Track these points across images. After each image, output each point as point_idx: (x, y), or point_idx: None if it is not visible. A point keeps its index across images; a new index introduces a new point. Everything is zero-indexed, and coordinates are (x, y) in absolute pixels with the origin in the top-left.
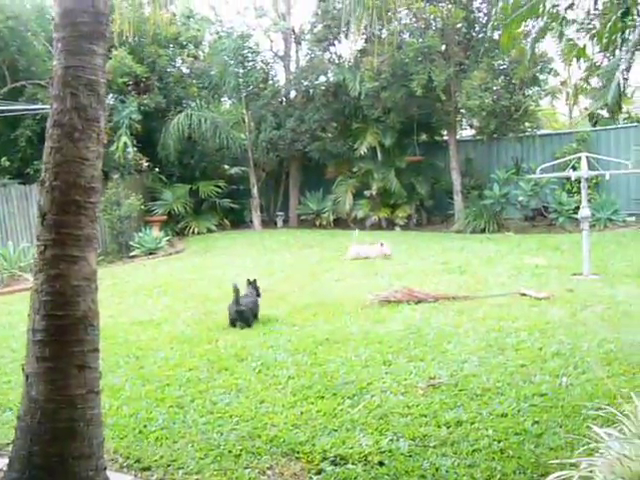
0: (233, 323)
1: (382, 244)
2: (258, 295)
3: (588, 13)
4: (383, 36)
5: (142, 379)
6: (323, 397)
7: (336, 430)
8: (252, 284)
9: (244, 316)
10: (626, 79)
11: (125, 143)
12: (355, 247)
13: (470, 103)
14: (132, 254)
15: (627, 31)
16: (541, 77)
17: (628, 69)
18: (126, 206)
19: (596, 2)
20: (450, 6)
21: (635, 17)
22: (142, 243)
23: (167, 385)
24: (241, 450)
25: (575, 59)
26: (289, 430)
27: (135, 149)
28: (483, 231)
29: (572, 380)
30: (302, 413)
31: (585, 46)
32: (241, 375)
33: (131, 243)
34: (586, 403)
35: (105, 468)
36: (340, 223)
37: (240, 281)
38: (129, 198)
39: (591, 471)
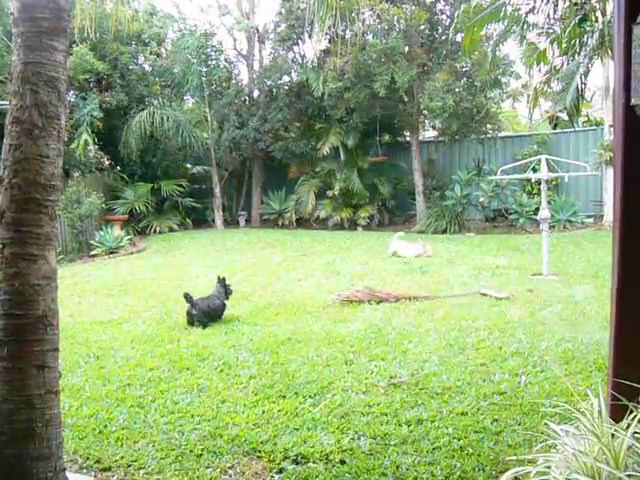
0: (191, 323)
1: (424, 245)
2: (229, 293)
3: (548, 17)
4: (347, 37)
5: (102, 379)
6: (285, 396)
7: (297, 429)
8: (221, 282)
9: (197, 320)
10: (584, 84)
11: (86, 141)
12: (395, 243)
13: (432, 105)
14: (93, 253)
15: (586, 36)
16: (503, 80)
17: (586, 74)
18: (87, 205)
19: (556, 8)
20: (413, 8)
21: (594, 23)
22: (103, 242)
23: (128, 385)
24: (202, 450)
25: (536, 62)
26: (250, 429)
27: (96, 147)
28: (445, 232)
29: (531, 378)
30: (264, 412)
31: (545, 50)
32: (203, 375)
33: (92, 242)
34: (544, 401)
35: (64, 469)
36: (302, 223)
37: (199, 284)
38: (90, 196)
39: (548, 467)
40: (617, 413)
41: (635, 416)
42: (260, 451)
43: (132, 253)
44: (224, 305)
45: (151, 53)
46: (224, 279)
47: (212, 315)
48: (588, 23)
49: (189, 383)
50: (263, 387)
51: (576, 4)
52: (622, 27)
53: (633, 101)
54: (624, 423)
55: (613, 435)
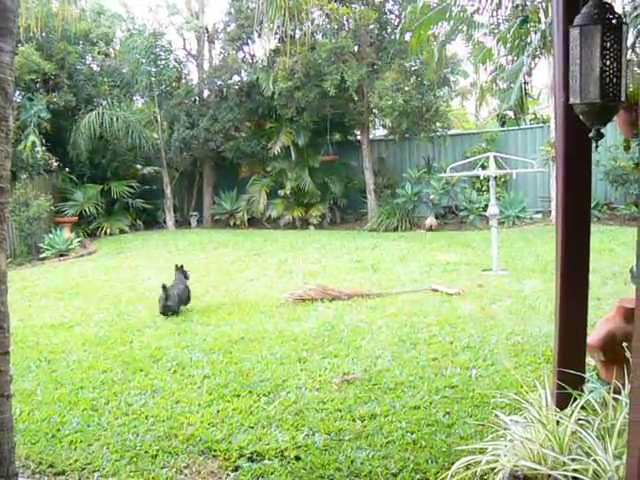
0: (164, 313)
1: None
2: (186, 278)
3: (492, 16)
4: (296, 36)
5: (55, 383)
6: (239, 395)
7: (252, 427)
8: (180, 269)
9: (172, 309)
10: (526, 83)
11: (33, 142)
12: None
13: (382, 103)
14: (42, 256)
15: (529, 36)
16: (451, 78)
17: (529, 73)
18: (35, 207)
19: (498, 9)
20: (362, 7)
21: (536, 24)
22: (52, 245)
23: (81, 388)
24: (158, 450)
25: (481, 62)
26: (205, 429)
27: (44, 148)
28: (396, 229)
29: (482, 372)
30: (218, 412)
31: (491, 49)
32: (156, 375)
33: (41, 245)
34: (495, 393)
35: (17, 474)
36: (254, 223)
37: (151, 285)
38: (38, 199)
39: (497, 455)
40: (562, 401)
41: (578, 404)
42: (215, 450)
43: (82, 255)
44: (188, 288)
45: (99, 53)
46: (182, 266)
47: (183, 300)
48: (529, 25)
49: (143, 384)
50: (217, 386)
51: (517, 6)
52: (561, 29)
53: (571, 100)
54: (568, 410)
55: (558, 422)
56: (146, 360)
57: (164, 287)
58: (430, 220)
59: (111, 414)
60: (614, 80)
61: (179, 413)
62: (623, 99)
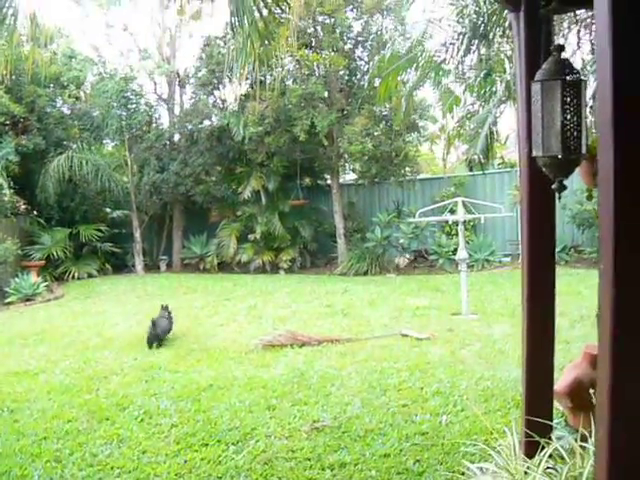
0: (150, 343)
1: None
2: (170, 315)
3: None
4: (267, 82)
5: (17, 433)
6: (207, 444)
7: (220, 477)
8: (165, 309)
9: (159, 337)
10: (492, 132)
11: (0, 185)
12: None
13: (352, 148)
14: (7, 301)
15: (495, 86)
16: (420, 123)
17: (495, 122)
18: (1, 250)
19: (463, 60)
20: (332, 54)
21: (501, 74)
22: (18, 289)
23: (44, 438)
24: None
25: (453, 107)
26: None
27: (12, 191)
28: (366, 273)
29: (452, 418)
30: (186, 462)
31: (458, 97)
32: (123, 425)
33: (6, 289)
34: (465, 440)
35: None
36: (224, 267)
37: (119, 330)
38: (5, 242)
39: None
40: (530, 449)
41: (546, 452)
42: None
43: (49, 300)
44: (170, 322)
45: (70, 96)
46: (167, 306)
47: (165, 332)
48: (495, 75)
49: (109, 434)
50: (185, 435)
51: (481, 60)
52: (524, 83)
53: (534, 153)
54: (536, 459)
55: (526, 472)
56: (112, 408)
57: (153, 321)
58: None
59: (75, 465)
60: (575, 134)
61: (145, 463)
62: (584, 151)
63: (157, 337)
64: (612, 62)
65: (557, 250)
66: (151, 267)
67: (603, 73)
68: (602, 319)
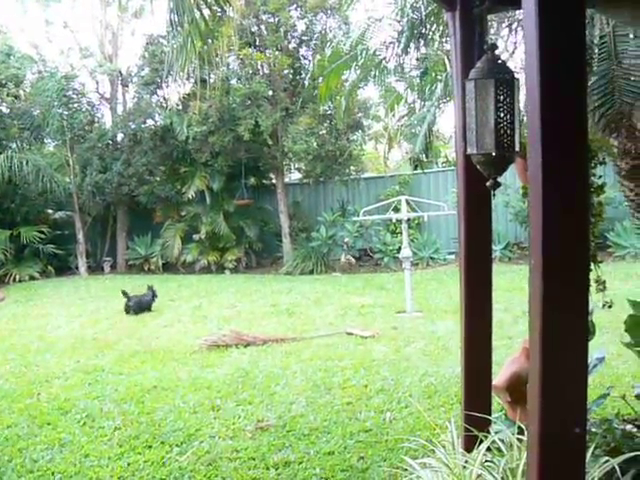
0: (127, 311)
1: None
2: (155, 296)
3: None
4: (211, 80)
5: None
6: (151, 446)
7: (164, 479)
8: (150, 288)
9: (133, 308)
10: (431, 130)
11: None
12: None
13: (296, 147)
14: None
15: (434, 85)
16: (365, 122)
17: (433, 121)
18: None
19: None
20: (277, 53)
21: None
22: None
23: None
24: None
25: (395, 105)
26: None
27: None
28: (311, 272)
29: (395, 414)
30: (129, 464)
31: (399, 95)
32: (65, 429)
33: None
34: (408, 436)
35: None
36: (169, 267)
37: (62, 333)
38: None
39: None
40: (470, 443)
41: (484, 446)
42: None
43: None
44: (151, 300)
45: (8, 95)
46: (152, 286)
47: (142, 307)
48: (435, 74)
49: (50, 439)
50: (128, 438)
51: (418, 59)
52: (459, 82)
53: (469, 150)
54: (475, 453)
55: (465, 466)
56: (54, 412)
57: (124, 292)
58: (345, 258)
59: (14, 472)
60: (508, 132)
61: (88, 467)
62: (518, 149)
63: (130, 307)
64: (539, 62)
65: (501, 247)
66: (95, 269)
67: (531, 72)
68: (532, 313)
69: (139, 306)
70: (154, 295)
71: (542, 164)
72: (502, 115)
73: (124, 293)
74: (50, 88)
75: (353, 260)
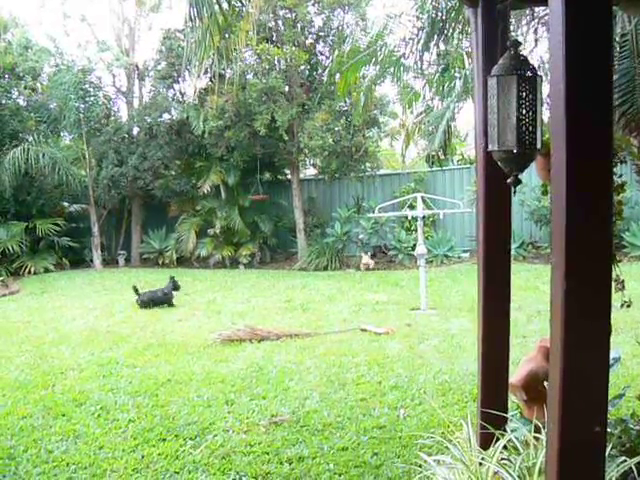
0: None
1: None
2: (176, 288)
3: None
4: (227, 75)
5: None
6: (165, 439)
7: (178, 472)
8: (171, 279)
9: (145, 303)
10: (450, 127)
11: None
12: None
13: (312, 143)
14: None
15: (454, 82)
16: (381, 119)
17: (452, 118)
18: None
19: (422, 55)
20: (294, 49)
21: (461, 69)
22: None
23: None
24: None
25: (413, 101)
26: (129, 475)
27: None
28: (326, 268)
29: (410, 411)
30: (143, 457)
31: (418, 92)
32: (79, 420)
33: None
34: (422, 433)
35: None
36: (183, 262)
37: (76, 325)
38: None
39: None
40: (486, 441)
41: (500, 444)
42: None
43: (5, 295)
44: (166, 295)
45: (25, 87)
46: (173, 277)
47: (156, 302)
48: (455, 70)
49: (65, 430)
50: (142, 431)
51: (439, 54)
52: (481, 79)
53: (490, 147)
54: (491, 451)
55: (481, 463)
56: (69, 404)
57: (135, 289)
58: (366, 258)
59: (30, 462)
60: (530, 128)
61: (102, 459)
62: (539, 146)
63: (142, 302)
64: (564, 59)
65: (515, 246)
66: (109, 262)
67: (556, 70)
68: (553, 312)
69: (152, 301)
70: (175, 287)
71: (566, 162)
72: (524, 112)
73: (135, 290)
74: (67, 81)
75: (372, 262)
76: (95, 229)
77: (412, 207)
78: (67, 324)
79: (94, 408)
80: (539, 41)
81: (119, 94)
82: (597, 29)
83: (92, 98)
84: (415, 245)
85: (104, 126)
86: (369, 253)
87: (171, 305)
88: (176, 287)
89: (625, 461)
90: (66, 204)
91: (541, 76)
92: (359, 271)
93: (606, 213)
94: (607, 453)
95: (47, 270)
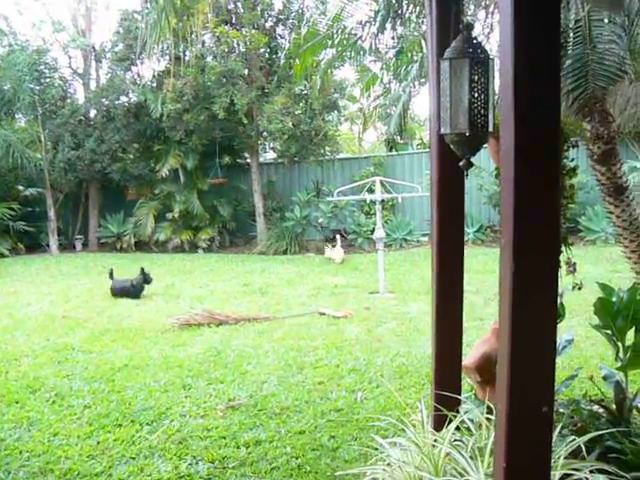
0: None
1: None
2: (148, 281)
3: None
4: (186, 58)
5: None
6: (121, 425)
7: (134, 458)
8: (142, 272)
9: (118, 291)
10: (405, 111)
11: None
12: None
13: (271, 127)
14: None
15: (410, 66)
16: (341, 103)
17: (407, 102)
18: None
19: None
20: (253, 31)
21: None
22: None
23: None
24: None
25: (371, 85)
26: (84, 462)
27: None
28: (285, 252)
29: (367, 394)
30: (98, 443)
31: (375, 75)
32: (33, 407)
33: None
34: (379, 415)
35: None
36: (142, 246)
37: (32, 311)
38: None
39: (375, 478)
40: (440, 423)
41: (453, 425)
42: None
43: None
44: (135, 288)
45: None
46: (143, 269)
47: (126, 293)
48: (411, 54)
49: (18, 417)
50: (98, 417)
51: (393, 37)
52: (434, 62)
53: (442, 130)
54: (444, 432)
55: (434, 445)
56: (22, 391)
57: (110, 272)
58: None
59: None
60: (482, 111)
61: (56, 446)
62: (491, 129)
63: (117, 291)
64: (513, 43)
65: (474, 230)
66: (66, 246)
67: (505, 53)
68: (502, 292)
69: (123, 289)
70: (146, 279)
71: (514, 145)
72: (476, 95)
73: (110, 274)
74: (21, 62)
75: (339, 257)
76: (51, 213)
77: (371, 191)
78: (22, 310)
79: (49, 395)
80: (495, 26)
81: (75, 76)
82: (545, 14)
83: (47, 80)
84: (374, 229)
85: (60, 108)
86: (336, 246)
87: (138, 298)
88: (147, 280)
89: (574, 440)
90: (21, 188)
91: (494, 59)
92: (318, 255)
93: (555, 195)
94: (558, 432)
95: (2, 255)
